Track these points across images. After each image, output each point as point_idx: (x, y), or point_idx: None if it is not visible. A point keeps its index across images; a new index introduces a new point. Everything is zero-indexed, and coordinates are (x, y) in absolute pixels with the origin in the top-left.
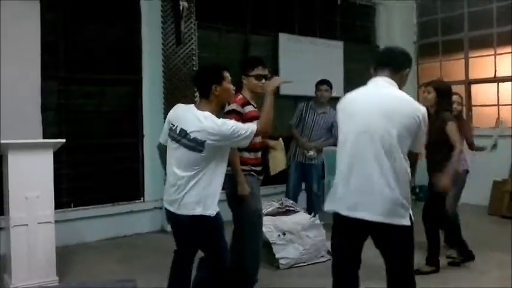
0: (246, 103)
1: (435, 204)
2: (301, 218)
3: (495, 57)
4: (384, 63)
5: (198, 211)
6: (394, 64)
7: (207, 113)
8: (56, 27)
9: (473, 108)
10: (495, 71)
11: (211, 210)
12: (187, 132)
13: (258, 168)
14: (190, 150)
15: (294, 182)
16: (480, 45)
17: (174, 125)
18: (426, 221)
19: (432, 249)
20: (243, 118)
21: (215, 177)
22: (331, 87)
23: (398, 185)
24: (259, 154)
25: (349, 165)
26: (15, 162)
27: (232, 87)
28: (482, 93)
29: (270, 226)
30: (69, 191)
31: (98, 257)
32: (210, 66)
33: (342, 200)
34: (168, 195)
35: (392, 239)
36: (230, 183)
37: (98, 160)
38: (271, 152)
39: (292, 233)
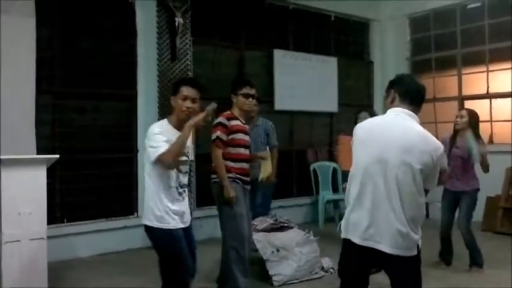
0: (232, 118)
1: None
2: (295, 234)
3: (487, 74)
4: (410, 96)
5: (143, 220)
6: (419, 99)
7: (153, 125)
8: (52, 42)
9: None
10: (488, 87)
11: (150, 222)
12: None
13: (244, 178)
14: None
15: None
16: (473, 61)
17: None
18: None
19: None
20: (229, 130)
21: (152, 189)
22: (259, 101)
23: (411, 221)
24: (244, 165)
25: (360, 193)
26: (8, 178)
27: (183, 104)
28: (475, 109)
29: (263, 242)
30: (63, 206)
31: (90, 272)
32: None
33: (354, 227)
34: None
35: (400, 270)
36: (217, 189)
37: (91, 175)
38: (261, 161)
39: (286, 249)
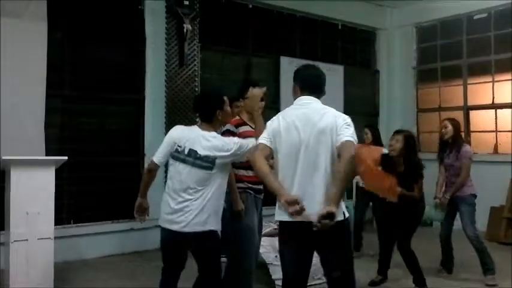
0: (241, 124)
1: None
2: None
3: (493, 84)
4: (308, 86)
5: (208, 227)
6: (319, 87)
7: (214, 133)
8: (62, 47)
9: (472, 134)
10: (493, 97)
11: (218, 225)
12: (197, 151)
13: (256, 186)
14: (200, 169)
15: None
16: (478, 71)
17: (180, 146)
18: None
19: (414, 271)
20: (238, 137)
21: (221, 193)
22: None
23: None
24: None
25: (292, 176)
26: (17, 178)
27: (229, 109)
28: (480, 120)
29: (267, 247)
30: (70, 208)
31: (96, 273)
32: (213, 92)
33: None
34: (170, 214)
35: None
36: (227, 200)
37: (99, 177)
38: None
39: None
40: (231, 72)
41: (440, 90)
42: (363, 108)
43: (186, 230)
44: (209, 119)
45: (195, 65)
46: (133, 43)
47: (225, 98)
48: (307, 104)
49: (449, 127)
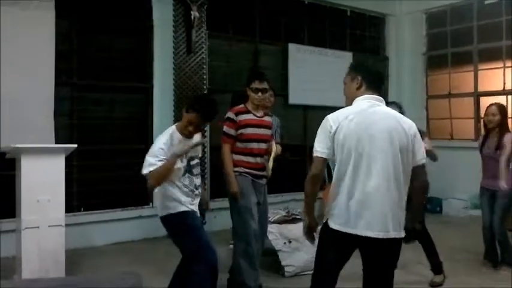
0: (242, 112)
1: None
2: None
3: (504, 70)
4: (376, 83)
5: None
6: (381, 86)
7: (161, 136)
8: (70, 35)
9: (482, 120)
10: (504, 83)
11: (163, 211)
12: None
13: (254, 172)
14: None
15: None
16: (489, 57)
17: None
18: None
19: (432, 257)
20: (237, 125)
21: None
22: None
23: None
24: (257, 159)
25: (354, 182)
26: (27, 166)
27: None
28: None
29: (276, 234)
30: (80, 195)
31: (106, 260)
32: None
33: (355, 218)
34: None
35: (394, 252)
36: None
37: (108, 165)
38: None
39: (298, 241)
40: (239, 59)
41: (451, 76)
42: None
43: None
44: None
45: (202, 52)
46: (141, 31)
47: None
48: (379, 105)
49: (498, 116)
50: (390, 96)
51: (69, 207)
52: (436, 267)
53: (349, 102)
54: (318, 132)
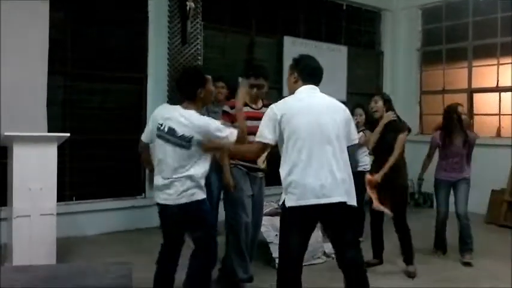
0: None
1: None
2: None
3: (498, 67)
4: (313, 77)
5: (193, 198)
6: (319, 79)
7: (192, 111)
8: (64, 24)
9: (475, 117)
10: (497, 80)
11: (203, 195)
12: (175, 130)
13: (248, 164)
14: (179, 147)
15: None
16: (483, 54)
17: (162, 125)
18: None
19: (406, 248)
20: (233, 117)
21: (204, 171)
22: (227, 83)
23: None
24: None
25: (308, 158)
26: (19, 154)
27: (212, 88)
28: (484, 102)
29: (267, 226)
30: (72, 185)
31: (98, 250)
32: (194, 71)
33: (308, 190)
34: (162, 189)
35: (347, 218)
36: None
37: (100, 155)
38: None
39: None
40: (234, 51)
41: (445, 72)
42: (366, 90)
43: (171, 203)
44: (191, 97)
45: (197, 43)
46: (136, 21)
47: (207, 76)
48: (316, 93)
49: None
50: (385, 90)
51: (61, 196)
52: (408, 258)
53: (290, 95)
54: (263, 120)
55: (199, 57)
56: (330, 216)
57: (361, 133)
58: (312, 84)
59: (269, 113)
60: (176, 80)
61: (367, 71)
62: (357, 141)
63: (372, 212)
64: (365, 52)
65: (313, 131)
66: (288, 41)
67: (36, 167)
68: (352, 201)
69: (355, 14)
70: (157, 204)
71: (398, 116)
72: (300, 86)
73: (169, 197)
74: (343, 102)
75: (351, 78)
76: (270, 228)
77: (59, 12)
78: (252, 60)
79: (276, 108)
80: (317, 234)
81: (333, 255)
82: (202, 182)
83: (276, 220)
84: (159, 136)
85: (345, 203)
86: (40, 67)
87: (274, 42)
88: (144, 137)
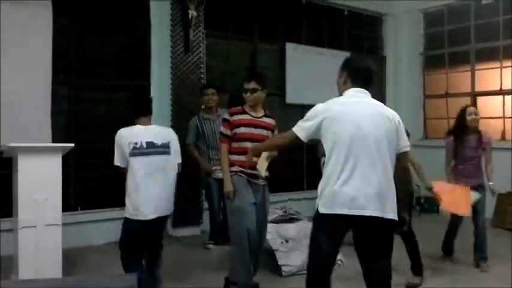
0: (237, 113)
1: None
2: (304, 225)
3: (501, 70)
4: (363, 79)
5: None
6: (369, 81)
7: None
8: (68, 33)
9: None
10: (501, 83)
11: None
12: (153, 142)
13: (249, 171)
14: (161, 155)
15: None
16: (486, 57)
17: (137, 143)
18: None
19: (413, 258)
20: (232, 125)
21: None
22: (217, 90)
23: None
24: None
25: (346, 167)
26: (24, 165)
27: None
28: (487, 106)
29: (273, 233)
30: (77, 194)
31: (104, 259)
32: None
33: (344, 199)
34: (153, 202)
35: (379, 232)
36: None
37: (105, 164)
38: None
39: (295, 240)
40: (237, 59)
41: (448, 76)
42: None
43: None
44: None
45: (200, 51)
46: (139, 30)
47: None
48: (364, 97)
49: (479, 115)
50: (388, 95)
51: (67, 207)
52: (416, 268)
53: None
54: (307, 114)
55: (202, 66)
56: (361, 229)
57: None
58: (360, 86)
59: (315, 111)
60: (143, 105)
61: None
62: (406, 149)
63: None
64: (368, 57)
65: (352, 139)
66: (290, 47)
67: (41, 178)
68: (389, 215)
69: (356, 19)
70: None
71: None
72: (349, 88)
73: (161, 206)
74: None
75: None
76: (275, 236)
77: (62, 22)
78: (254, 68)
79: (321, 109)
80: None
81: (339, 262)
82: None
83: (281, 227)
84: (135, 154)
85: (378, 217)
86: (44, 76)
87: (276, 49)
88: (120, 163)
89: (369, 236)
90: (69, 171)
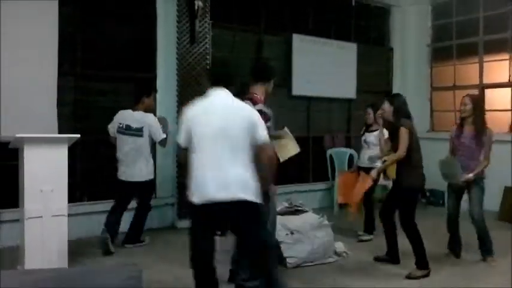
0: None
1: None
2: (310, 218)
3: (510, 62)
4: (222, 81)
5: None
6: (226, 81)
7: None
8: (74, 24)
9: (487, 112)
10: (509, 75)
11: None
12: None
13: None
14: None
15: None
16: (495, 49)
17: (121, 124)
18: (386, 221)
19: (418, 251)
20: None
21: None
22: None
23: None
24: None
25: (206, 159)
26: (30, 156)
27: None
28: (495, 98)
29: (278, 225)
30: (83, 185)
31: None
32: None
33: (208, 188)
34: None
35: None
36: None
37: (111, 156)
38: (280, 141)
39: (300, 232)
40: (243, 50)
41: (456, 68)
42: (376, 87)
43: (132, 179)
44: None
45: (206, 42)
46: (145, 21)
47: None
48: (217, 94)
49: (469, 105)
50: (395, 87)
51: (72, 197)
52: (420, 263)
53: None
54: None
55: (208, 56)
56: (226, 212)
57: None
58: (220, 86)
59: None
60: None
61: (377, 68)
62: (261, 142)
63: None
64: (375, 49)
65: (210, 135)
66: (296, 38)
67: (47, 168)
68: (248, 198)
69: (364, 10)
70: None
71: (405, 116)
72: (210, 88)
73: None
74: (353, 100)
75: (361, 76)
76: (280, 228)
77: (67, 13)
78: (260, 59)
79: (186, 113)
80: (329, 233)
81: (344, 254)
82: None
83: (287, 219)
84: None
85: (238, 201)
86: (50, 68)
87: (282, 40)
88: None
89: (236, 217)
90: (75, 162)
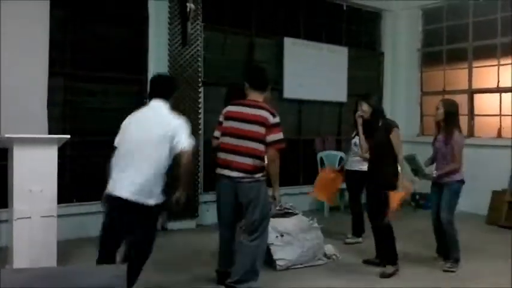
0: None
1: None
2: (300, 220)
3: (498, 68)
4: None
5: None
6: (168, 92)
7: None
8: (65, 25)
9: (476, 117)
10: (498, 81)
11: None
12: None
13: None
14: None
15: None
16: (484, 55)
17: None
18: (373, 221)
19: (391, 247)
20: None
21: None
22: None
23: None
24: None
25: (125, 160)
26: (20, 156)
27: None
28: (484, 103)
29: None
30: (72, 186)
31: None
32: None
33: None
34: None
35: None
36: None
37: (101, 157)
38: None
39: (290, 234)
40: (234, 52)
41: (445, 73)
42: (366, 90)
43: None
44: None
45: (198, 44)
46: (136, 22)
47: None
48: (155, 107)
49: (441, 109)
50: (385, 91)
51: (62, 198)
52: (392, 258)
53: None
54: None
55: (200, 59)
56: (125, 208)
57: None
58: (157, 98)
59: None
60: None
61: (367, 72)
62: (182, 149)
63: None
64: (365, 53)
65: (131, 141)
66: (288, 41)
67: (37, 169)
68: (148, 202)
69: (355, 14)
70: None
71: (382, 115)
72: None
73: None
74: (344, 104)
75: (352, 79)
76: (270, 230)
77: (59, 13)
78: (252, 63)
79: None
80: (319, 235)
81: (334, 257)
82: None
83: (277, 222)
84: None
85: (137, 202)
86: (41, 68)
87: (274, 43)
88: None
89: (130, 215)
90: (65, 163)
